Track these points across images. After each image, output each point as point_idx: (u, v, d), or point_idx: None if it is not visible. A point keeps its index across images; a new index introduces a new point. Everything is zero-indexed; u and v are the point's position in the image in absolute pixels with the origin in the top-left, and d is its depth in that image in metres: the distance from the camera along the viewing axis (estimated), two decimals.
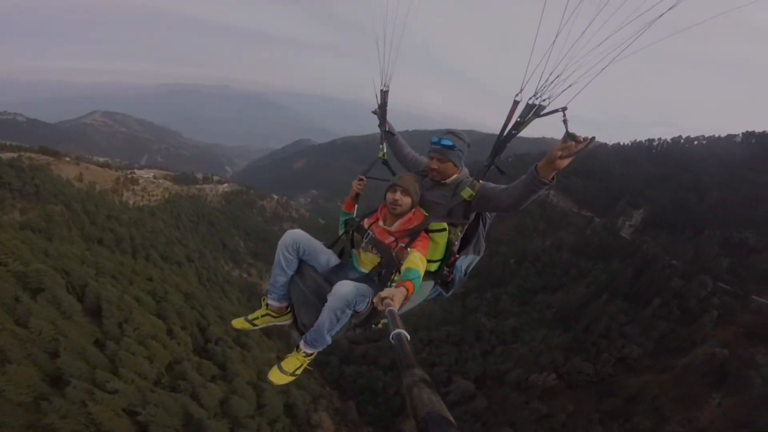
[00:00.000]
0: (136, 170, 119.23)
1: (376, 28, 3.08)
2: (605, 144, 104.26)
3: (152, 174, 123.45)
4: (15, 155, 77.65)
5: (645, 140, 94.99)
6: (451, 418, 0.80)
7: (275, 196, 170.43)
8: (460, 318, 63.80)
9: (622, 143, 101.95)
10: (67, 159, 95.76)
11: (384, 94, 3.62)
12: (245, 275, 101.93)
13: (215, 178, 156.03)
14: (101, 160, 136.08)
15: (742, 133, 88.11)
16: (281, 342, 60.00)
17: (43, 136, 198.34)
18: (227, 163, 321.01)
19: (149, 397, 31.55)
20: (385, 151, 3.69)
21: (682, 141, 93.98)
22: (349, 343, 68.54)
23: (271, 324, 3.51)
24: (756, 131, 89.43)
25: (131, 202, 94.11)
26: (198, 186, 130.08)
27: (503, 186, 2.75)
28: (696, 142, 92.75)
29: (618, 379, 46.50)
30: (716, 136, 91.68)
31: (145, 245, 73.77)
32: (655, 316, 50.55)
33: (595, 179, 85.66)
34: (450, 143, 2.99)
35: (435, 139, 3.06)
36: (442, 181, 3.14)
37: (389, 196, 3.02)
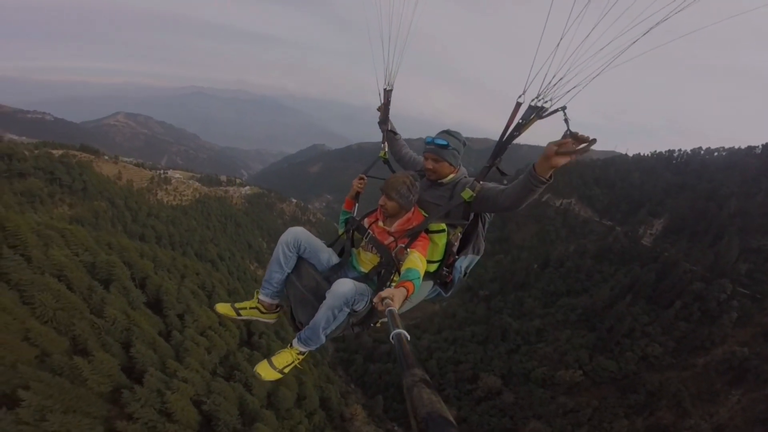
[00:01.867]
0: (167, 171, 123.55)
1: (380, 25, 3.07)
2: (625, 155, 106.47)
3: (178, 174, 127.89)
4: (62, 152, 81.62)
5: (665, 151, 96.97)
6: (450, 418, 0.80)
7: (294, 200, 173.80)
8: (484, 319, 66.16)
9: (642, 154, 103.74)
10: (106, 157, 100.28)
11: (387, 93, 3.65)
12: None
13: (237, 180, 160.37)
14: (127, 160, 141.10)
15: (762, 145, 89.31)
16: None
17: (69, 135, 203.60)
18: (242, 167, 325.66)
19: (212, 386, 33.77)
20: (386, 150, 3.71)
21: (702, 152, 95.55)
22: (373, 342, 70.84)
23: (255, 318, 3.50)
24: None
25: (165, 201, 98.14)
26: (223, 188, 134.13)
27: (502, 186, 2.77)
28: (716, 153, 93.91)
29: (641, 376, 48.57)
30: (736, 147, 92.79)
31: (182, 243, 77.31)
32: (676, 317, 52.69)
33: (616, 188, 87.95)
34: (444, 142, 2.99)
35: (429, 139, 3.07)
36: (439, 181, 3.15)
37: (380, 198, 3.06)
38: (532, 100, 2.27)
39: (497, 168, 2.82)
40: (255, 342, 47.32)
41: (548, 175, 2.29)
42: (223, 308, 3.47)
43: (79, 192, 72.69)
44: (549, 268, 71.83)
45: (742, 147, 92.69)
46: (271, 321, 3.56)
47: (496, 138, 2.57)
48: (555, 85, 2.12)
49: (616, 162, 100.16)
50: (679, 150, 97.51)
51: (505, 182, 2.79)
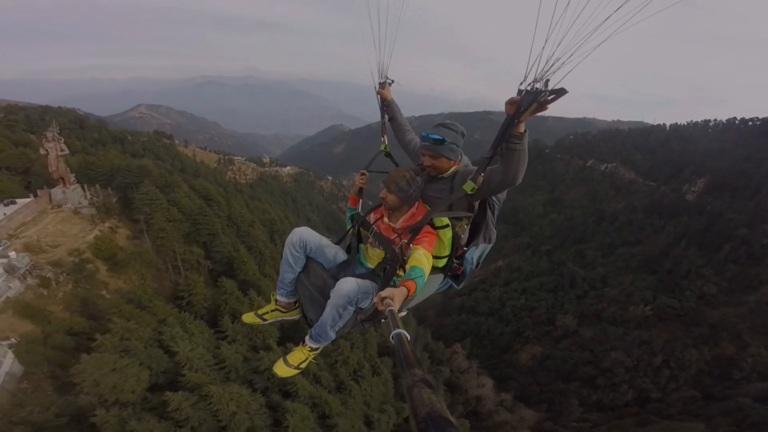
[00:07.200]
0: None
1: (370, 15, 2.92)
2: (663, 125, 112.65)
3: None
4: (150, 136, 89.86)
5: (701, 121, 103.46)
6: (450, 417, 0.79)
7: (330, 178, 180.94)
8: (548, 270, 74.35)
9: (679, 123, 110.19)
10: (177, 141, 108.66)
11: (382, 85, 3.58)
12: None
13: (279, 161, 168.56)
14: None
15: None
16: None
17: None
18: (264, 152, 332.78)
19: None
20: (386, 143, 3.68)
21: (737, 122, 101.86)
22: (444, 297, 78.25)
23: (280, 319, 3.61)
24: None
25: (236, 180, 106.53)
26: (273, 168, 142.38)
27: (496, 166, 2.68)
28: (750, 123, 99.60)
29: (701, 312, 56.54)
30: None
31: None
32: (726, 259, 60.46)
33: (657, 154, 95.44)
34: (439, 138, 2.86)
35: (424, 134, 2.97)
36: (440, 176, 3.08)
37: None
38: (529, 84, 2.16)
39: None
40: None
41: (521, 130, 2.35)
42: (248, 318, 3.68)
43: (178, 171, 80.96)
44: (604, 223, 79.89)
45: None
46: (296, 317, 3.63)
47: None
48: (552, 66, 2.05)
49: (655, 131, 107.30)
50: (715, 120, 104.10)
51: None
